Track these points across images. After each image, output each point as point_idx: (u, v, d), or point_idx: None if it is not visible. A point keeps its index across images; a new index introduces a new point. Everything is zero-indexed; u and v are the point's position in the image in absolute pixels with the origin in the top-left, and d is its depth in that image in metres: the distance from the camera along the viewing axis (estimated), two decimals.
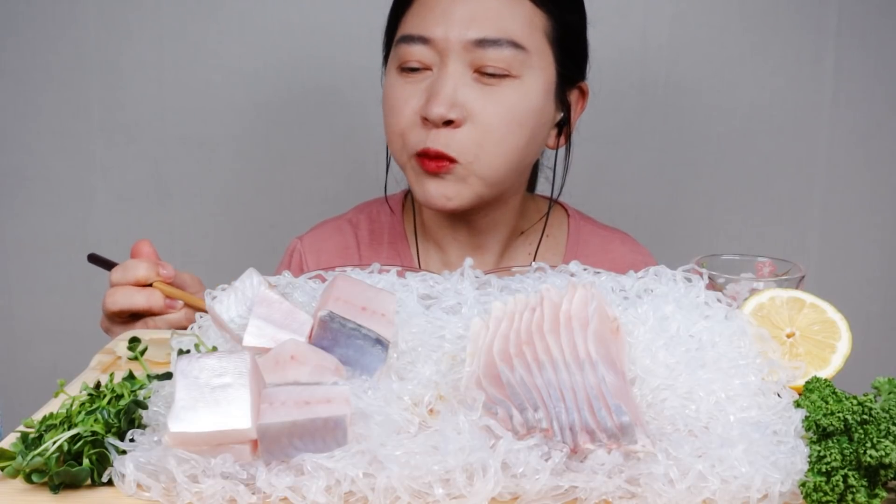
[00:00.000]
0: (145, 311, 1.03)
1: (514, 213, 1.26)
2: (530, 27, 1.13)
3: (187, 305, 1.04)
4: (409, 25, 1.15)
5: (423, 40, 1.12)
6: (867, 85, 1.65)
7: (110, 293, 1.03)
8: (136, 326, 1.04)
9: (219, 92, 1.64)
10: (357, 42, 1.61)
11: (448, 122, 1.10)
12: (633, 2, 1.62)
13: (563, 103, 1.20)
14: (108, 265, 1.09)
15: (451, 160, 1.11)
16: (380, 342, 0.75)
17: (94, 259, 1.12)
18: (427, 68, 1.13)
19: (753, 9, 1.63)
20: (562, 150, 1.25)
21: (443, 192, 1.13)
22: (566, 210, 1.34)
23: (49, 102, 1.63)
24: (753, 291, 0.87)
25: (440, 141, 1.10)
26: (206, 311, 1.01)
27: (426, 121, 1.11)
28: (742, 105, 1.66)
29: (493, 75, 1.11)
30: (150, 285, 1.04)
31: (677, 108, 1.66)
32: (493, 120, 1.11)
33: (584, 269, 0.91)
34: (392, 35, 1.19)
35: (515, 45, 1.11)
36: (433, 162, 1.11)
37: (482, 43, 1.10)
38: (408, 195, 1.34)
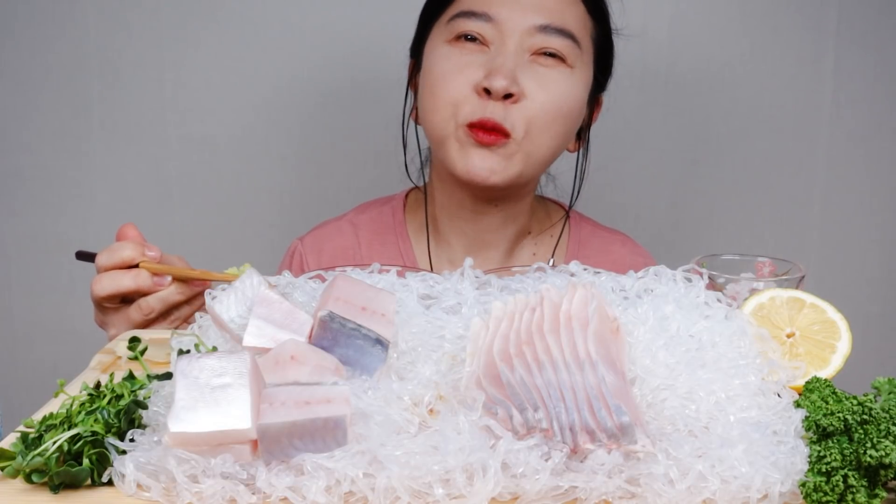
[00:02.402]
0: (134, 291, 1.02)
1: (525, 213, 1.27)
2: (584, 28, 1.18)
3: (176, 280, 1.03)
4: (471, 2, 1.17)
5: (487, 17, 1.15)
6: (867, 85, 1.65)
7: (96, 280, 1.02)
8: (129, 310, 1.03)
9: (219, 92, 1.64)
10: (360, 42, 1.61)
11: (507, 97, 1.12)
12: (633, 2, 1.62)
13: (587, 109, 1.23)
14: (95, 257, 1.08)
15: (506, 134, 1.13)
16: (380, 342, 0.75)
17: (82, 255, 1.11)
18: (484, 44, 1.15)
19: (753, 9, 1.63)
20: (578, 159, 1.28)
21: (489, 166, 1.14)
22: (567, 211, 1.34)
23: (49, 102, 1.63)
24: (753, 291, 0.87)
25: (497, 113, 1.12)
26: (195, 280, 1.03)
27: (485, 93, 1.12)
28: (742, 105, 1.66)
29: (552, 56, 1.15)
30: (137, 266, 1.03)
31: (677, 108, 1.66)
32: (546, 101, 1.14)
33: (584, 269, 0.91)
34: (433, 15, 1.21)
35: (573, 37, 1.16)
36: (489, 135, 1.13)
37: (545, 28, 1.14)
38: (409, 195, 1.34)
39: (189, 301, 1.05)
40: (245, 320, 0.79)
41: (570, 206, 1.31)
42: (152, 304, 1.02)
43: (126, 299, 1.04)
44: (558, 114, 1.15)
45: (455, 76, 1.14)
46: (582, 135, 1.26)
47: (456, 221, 1.26)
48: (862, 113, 1.66)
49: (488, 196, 1.22)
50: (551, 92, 1.14)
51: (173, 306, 1.04)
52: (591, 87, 1.21)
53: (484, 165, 1.14)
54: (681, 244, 1.69)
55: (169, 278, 1.03)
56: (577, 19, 1.17)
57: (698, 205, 1.70)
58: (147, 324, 1.03)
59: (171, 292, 1.03)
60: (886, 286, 1.72)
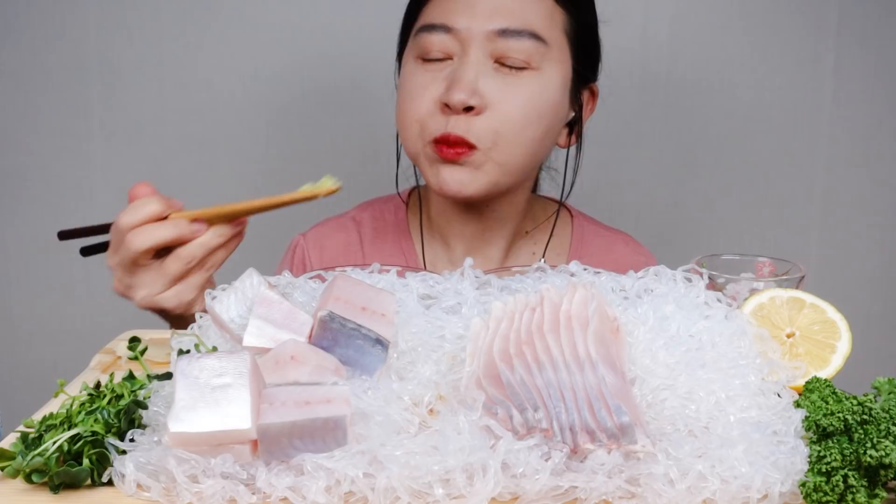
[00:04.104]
0: (175, 240, 0.98)
1: (520, 212, 1.26)
2: (551, 22, 1.15)
3: (214, 223, 1.00)
4: (431, 15, 1.16)
5: (446, 29, 1.13)
6: (867, 85, 1.65)
7: (130, 237, 0.97)
8: (165, 263, 0.99)
9: (219, 92, 1.64)
10: (358, 42, 1.61)
11: (468, 109, 1.11)
12: (633, 2, 1.62)
13: (575, 102, 1.21)
14: (85, 232, 1.03)
15: (471, 146, 1.12)
16: (380, 342, 0.75)
17: (66, 234, 1.05)
18: (448, 57, 1.14)
19: (753, 9, 1.63)
20: (571, 152, 1.26)
21: (459, 179, 1.14)
22: (569, 211, 1.34)
23: (49, 102, 1.63)
24: (753, 291, 0.87)
25: (460, 127, 1.11)
26: (237, 217, 1.01)
27: (446, 108, 1.11)
28: (742, 105, 1.66)
29: (513, 66, 1.13)
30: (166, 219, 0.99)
31: (677, 108, 1.66)
32: (511, 109, 1.12)
33: (584, 269, 0.91)
34: (410, 26, 1.20)
35: (537, 37, 1.13)
36: (452, 149, 1.12)
37: (505, 33, 1.12)
38: (412, 193, 1.34)
39: (225, 245, 1.02)
40: (245, 320, 0.79)
41: (562, 200, 1.30)
42: (193, 251, 0.99)
43: (160, 253, 1.00)
44: (526, 120, 1.13)
45: (420, 93, 1.14)
46: (574, 129, 1.24)
47: (452, 223, 1.26)
48: (862, 113, 1.66)
49: (472, 203, 1.22)
50: (516, 99, 1.12)
51: (211, 252, 1.01)
52: (571, 82, 1.18)
53: (453, 179, 1.13)
54: (681, 244, 1.69)
55: (205, 225, 0.99)
56: (542, 15, 1.14)
57: (698, 205, 1.70)
58: (185, 275, 1.00)
59: (210, 237, 1.00)
60: (887, 286, 1.72)
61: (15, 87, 1.62)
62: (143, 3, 1.61)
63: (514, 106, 1.12)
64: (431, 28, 1.14)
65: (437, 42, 1.14)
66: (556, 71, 1.15)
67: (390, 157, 1.28)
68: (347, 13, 1.62)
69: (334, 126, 1.66)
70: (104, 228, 1.05)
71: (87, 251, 1.09)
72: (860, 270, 1.72)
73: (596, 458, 0.65)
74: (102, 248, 1.06)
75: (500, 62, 1.13)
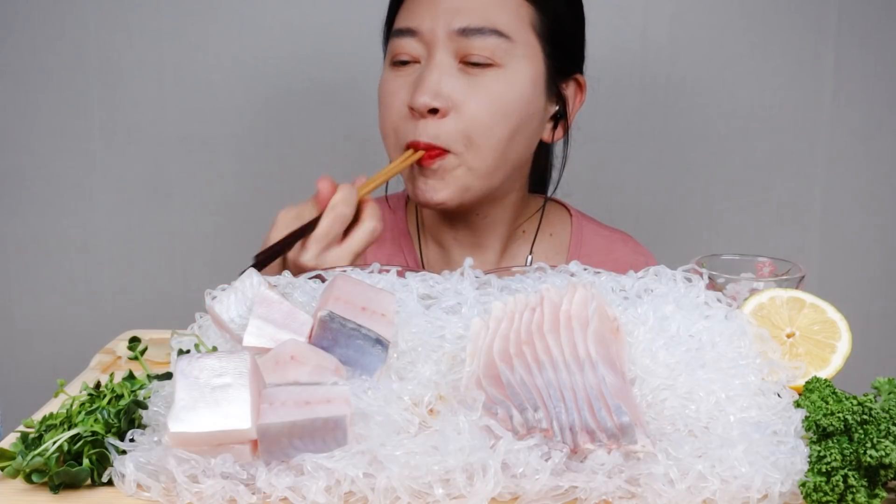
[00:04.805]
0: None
1: (513, 212, 1.26)
2: (516, 18, 1.14)
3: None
4: (400, 20, 1.17)
5: (412, 32, 1.14)
6: (867, 85, 1.65)
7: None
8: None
9: (219, 92, 1.64)
10: (357, 41, 1.61)
11: (433, 112, 1.11)
12: (633, 2, 1.62)
13: (557, 96, 1.20)
14: (276, 253, 1.05)
15: (442, 150, 1.12)
16: (380, 342, 0.75)
17: (263, 258, 1.06)
18: (416, 61, 1.15)
19: (753, 9, 1.63)
20: (560, 146, 1.26)
21: (431, 187, 1.15)
22: (569, 211, 1.34)
23: (49, 102, 1.63)
24: (753, 291, 0.87)
25: (429, 132, 1.12)
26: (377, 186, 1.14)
27: (413, 111, 1.12)
28: (742, 105, 1.66)
29: (477, 64, 1.13)
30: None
31: (677, 107, 1.66)
32: (477, 109, 1.12)
33: (584, 269, 0.91)
34: (387, 31, 1.22)
35: (499, 33, 1.13)
36: (427, 154, 1.12)
37: (466, 31, 1.12)
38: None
39: None
40: (245, 320, 0.79)
41: (549, 195, 1.30)
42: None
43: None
44: (493, 119, 1.12)
45: (391, 101, 1.15)
46: (560, 122, 1.23)
47: (444, 229, 1.27)
48: (862, 113, 1.66)
49: (458, 211, 1.22)
50: (482, 98, 1.12)
51: None
52: (545, 76, 1.17)
53: (426, 188, 1.15)
54: (681, 244, 1.69)
55: None
56: (507, 12, 1.14)
57: (698, 205, 1.70)
58: None
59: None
60: (887, 286, 1.72)
61: (15, 87, 1.62)
62: (143, 3, 1.61)
63: (479, 106, 1.12)
64: (400, 33, 1.16)
65: (405, 46, 1.15)
66: (522, 66, 1.15)
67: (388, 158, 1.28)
68: (347, 13, 1.61)
69: (334, 126, 1.66)
70: (289, 238, 1.07)
71: (262, 264, 1.07)
72: (860, 270, 1.72)
73: (596, 458, 0.65)
74: (274, 253, 1.06)
75: (465, 62, 1.13)
